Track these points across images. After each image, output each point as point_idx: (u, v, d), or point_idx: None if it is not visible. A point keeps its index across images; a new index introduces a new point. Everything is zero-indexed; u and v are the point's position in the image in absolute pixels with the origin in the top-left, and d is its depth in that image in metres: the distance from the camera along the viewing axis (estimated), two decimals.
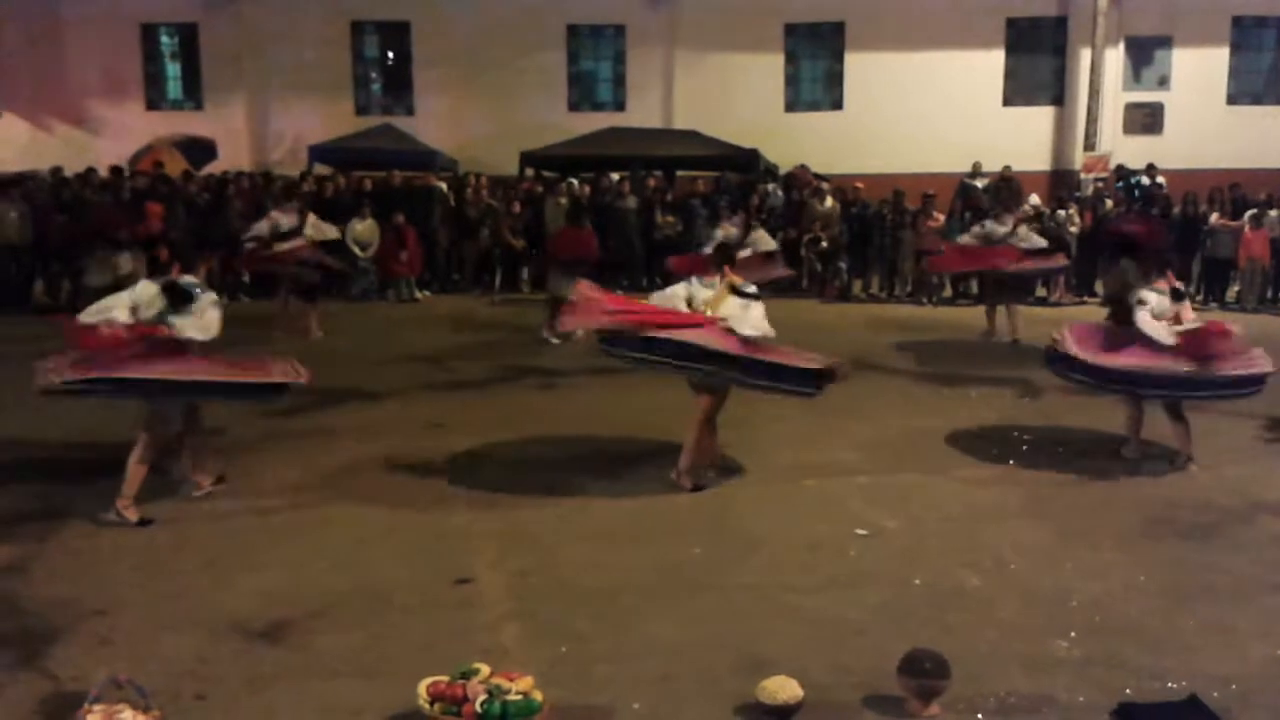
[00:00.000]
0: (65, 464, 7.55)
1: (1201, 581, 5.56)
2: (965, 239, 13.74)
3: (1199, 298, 16.65)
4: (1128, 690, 4.32)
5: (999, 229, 13.12)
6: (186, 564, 5.72)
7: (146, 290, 6.68)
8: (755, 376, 6.87)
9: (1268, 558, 5.94)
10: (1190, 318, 7.75)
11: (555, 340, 12.34)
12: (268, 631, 4.86)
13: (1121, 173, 19.87)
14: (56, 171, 17.39)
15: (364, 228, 16.07)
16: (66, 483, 7.08)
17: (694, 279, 7.27)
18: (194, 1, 22.60)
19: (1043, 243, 13.37)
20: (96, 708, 3.76)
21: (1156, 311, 7.59)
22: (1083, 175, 21.13)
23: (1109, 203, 17.50)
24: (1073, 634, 4.87)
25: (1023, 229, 13.31)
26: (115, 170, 17.29)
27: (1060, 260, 14.19)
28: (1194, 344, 7.41)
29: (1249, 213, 16.46)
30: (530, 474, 7.44)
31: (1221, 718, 4.09)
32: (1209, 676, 4.44)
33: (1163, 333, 7.49)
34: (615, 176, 18.30)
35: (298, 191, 16.32)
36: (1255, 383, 7.51)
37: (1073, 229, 16.94)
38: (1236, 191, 17.20)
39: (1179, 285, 7.81)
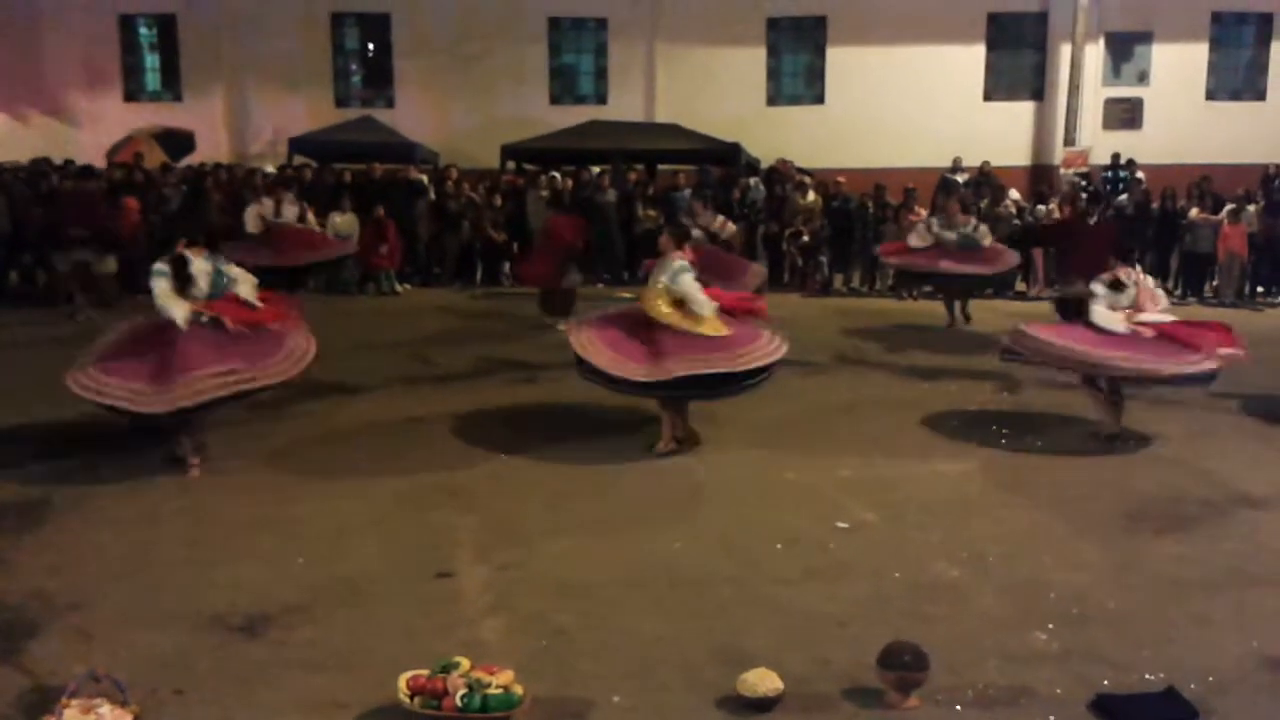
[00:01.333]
0: (39, 456, 7.46)
1: (1179, 574, 5.59)
2: (918, 240, 13.73)
3: (1177, 292, 16.76)
4: (1105, 682, 4.35)
5: (948, 234, 13.31)
6: (165, 558, 5.68)
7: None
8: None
9: (1245, 550, 5.98)
10: (1153, 307, 8.00)
11: (561, 327, 12.62)
12: (247, 625, 4.84)
13: (1114, 163, 19.92)
14: (35, 163, 17.31)
15: (344, 220, 15.98)
16: (41, 476, 7.02)
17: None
18: None
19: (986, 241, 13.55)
20: (74, 702, 3.73)
21: (1110, 303, 7.97)
22: (1062, 170, 21.21)
23: (1084, 196, 17.55)
24: (1051, 626, 4.90)
25: (974, 225, 13.59)
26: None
27: (1011, 261, 14.12)
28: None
29: (1227, 207, 16.56)
30: (511, 467, 7.43)
31: (1198, 709, 4.12)
32: (1186, 668, 4.47)
33: (1117, 322, 7.84)
34: (596, 170, 18.26)
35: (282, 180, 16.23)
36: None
37: None
38: (1207, 184, 17.29)
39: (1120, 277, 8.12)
